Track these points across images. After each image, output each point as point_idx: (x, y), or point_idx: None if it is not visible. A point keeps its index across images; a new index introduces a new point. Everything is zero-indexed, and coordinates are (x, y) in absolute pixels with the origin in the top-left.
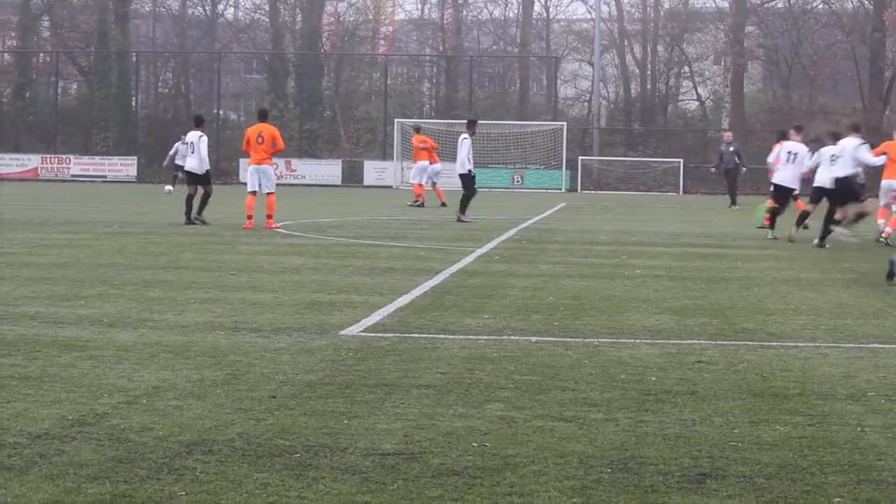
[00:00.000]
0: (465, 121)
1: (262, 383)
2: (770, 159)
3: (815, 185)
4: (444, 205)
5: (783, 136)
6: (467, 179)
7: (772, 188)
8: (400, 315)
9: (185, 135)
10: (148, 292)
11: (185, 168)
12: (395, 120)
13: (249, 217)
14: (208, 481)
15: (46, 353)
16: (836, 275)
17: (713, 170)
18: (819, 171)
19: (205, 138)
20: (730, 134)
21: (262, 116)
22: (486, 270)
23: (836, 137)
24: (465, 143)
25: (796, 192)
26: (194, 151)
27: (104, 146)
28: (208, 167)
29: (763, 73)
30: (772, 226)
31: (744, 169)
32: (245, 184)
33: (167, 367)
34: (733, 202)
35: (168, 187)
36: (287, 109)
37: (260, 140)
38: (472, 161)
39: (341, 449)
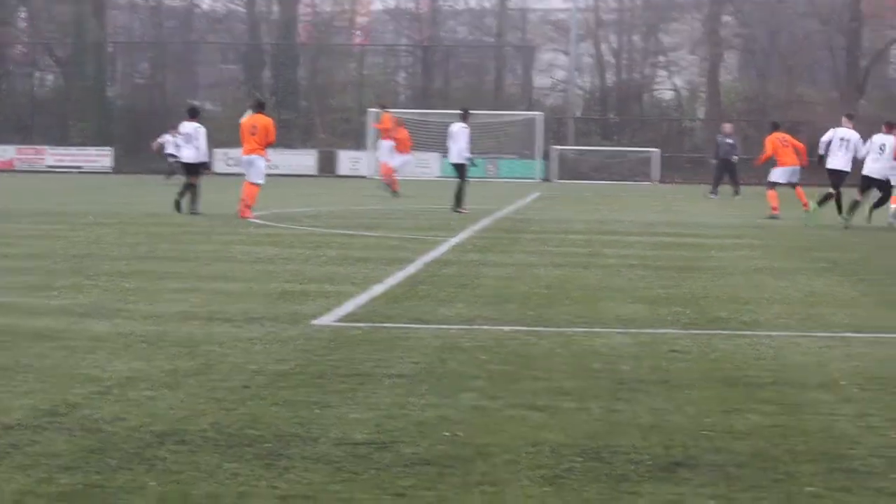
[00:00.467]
0: (458, 111)
1: (235, 373)
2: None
3: (863, 173)
4: (396, 194)
5: (776, 128)
6: (464, 169)
7: (827, 174)
8: (373, 305)
9: (179, 126)
10: (122, 283)
11: (182, 159)
12: (368, 109)
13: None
14: (180, 471)
15: (19, 343)
16: (810, 264)
17: (714, 161)
18: (868, 160)
19: (203, 129)
20: (729, 125)
21: (258, 107)
22: (460, 260)
23: (890, 126)
24: (464, 133)
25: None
26: (190, 142)
27: (80, 137)
28: (206, 159)
29: (740, 63)
30: (840, 211)
31: (735, 158)
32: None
33: (140, 357)
34: (714, 191)
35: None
36: (263, 100)
37: (253, 131)
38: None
39: (313, 438)
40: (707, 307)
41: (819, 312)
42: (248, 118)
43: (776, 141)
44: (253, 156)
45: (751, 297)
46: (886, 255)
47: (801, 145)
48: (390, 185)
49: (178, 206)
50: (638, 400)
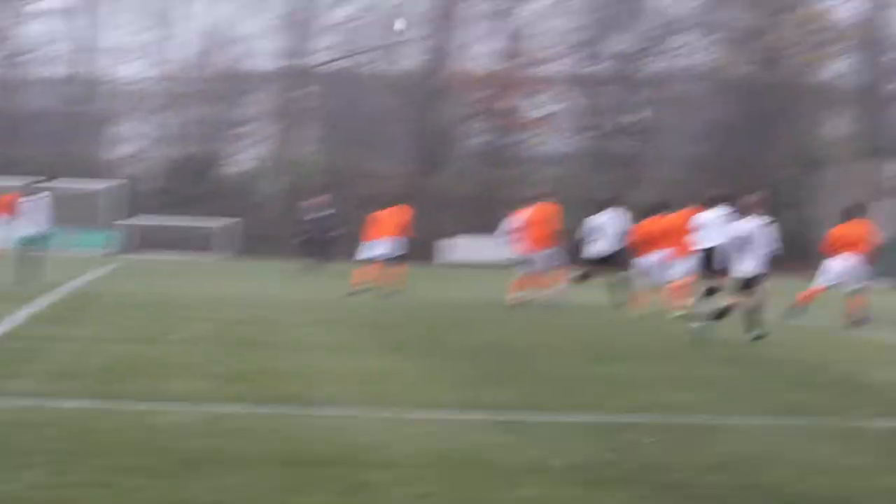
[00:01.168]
0: (31, 179)
1: None
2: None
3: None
4: None
5: (386, 206)
6: (40, 240)
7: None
8: None
9: None
10: None
11: None
12: None
13: None
14: None
15: None
16: (380, 341)
17: (298, 241)
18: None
19: None
20: (320, 198)
21: None
22: (29, 334)
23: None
24: (40, 203)
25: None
26: None
27: None
28: None
29: (316, 135)
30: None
31: (338, 233)
32: None
33: None
34: (312, 266)
35: None
36: None
37: None
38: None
39: None
40: (275, 384)
41: (385, 391)
42: None
43: (378, 218)
44: None
45: (321, 373)
46: (453, 333)
47: (404, 217)
48: None
49: None
50: (201, 478)
